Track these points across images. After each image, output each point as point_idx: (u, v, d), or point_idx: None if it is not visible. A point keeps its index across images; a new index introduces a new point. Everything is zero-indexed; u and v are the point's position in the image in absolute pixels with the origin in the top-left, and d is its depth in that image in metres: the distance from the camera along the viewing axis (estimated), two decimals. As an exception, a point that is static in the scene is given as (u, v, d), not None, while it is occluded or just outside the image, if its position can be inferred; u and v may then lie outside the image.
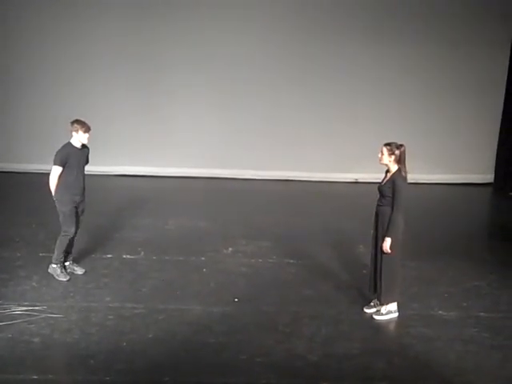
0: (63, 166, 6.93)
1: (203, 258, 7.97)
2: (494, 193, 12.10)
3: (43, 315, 6.24)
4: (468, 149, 12.22)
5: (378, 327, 6.37)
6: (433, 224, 9.12)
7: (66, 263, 7.34)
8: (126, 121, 11.91)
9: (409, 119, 11.72)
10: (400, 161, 6.29)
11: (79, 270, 7.36)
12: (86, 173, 7.20)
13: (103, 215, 9.39)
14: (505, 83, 11.81)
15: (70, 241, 7.15)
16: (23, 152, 11.93)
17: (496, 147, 12.19)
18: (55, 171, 6.96)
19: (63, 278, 7.12)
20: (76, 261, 7.50)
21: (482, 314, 6.69)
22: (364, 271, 7.69)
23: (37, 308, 6.37)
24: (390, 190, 6.26)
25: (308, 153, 12.05)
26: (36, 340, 5.80)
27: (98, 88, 11.84)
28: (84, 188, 7.15)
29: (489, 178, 12.36)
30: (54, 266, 7.17)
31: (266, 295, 6.96)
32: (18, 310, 6.31)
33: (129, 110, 11.89)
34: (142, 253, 8.05)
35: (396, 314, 6.58)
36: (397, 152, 6.26)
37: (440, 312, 6.69)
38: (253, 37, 11.79)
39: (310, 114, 12.01)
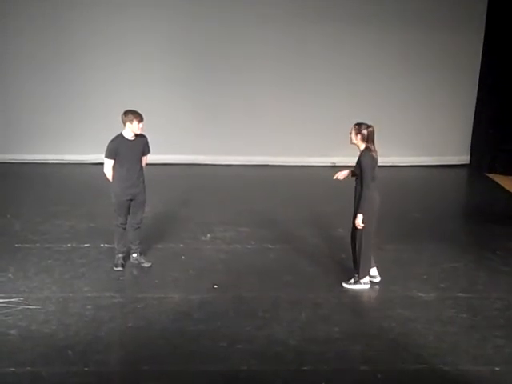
0: (113, 159, 6.81)
1: (182, 245, 7.92)
2: (469, 174, 12.18)
3: (20, 307, 6.16)
4: (443, 130, 12.24)
5: (358, 310, 6.40)
6: (409, 206, 9.16)
7: (134, 255, 7.30)
8: (98, 109, 11.65)
9: (384, 102, 11.70)
10: (368, 140, 6.48)
11: (146, 263, 7.27)
12: None
13: (76, 203, 9.33)
14: (479, 64, 11.85)
15: (123, 231, 7.14)
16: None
17: (471, 128, 12.26)
18: (106, 163, 6.88)
19: (116, 268, 7.11)
20: (46, 250, 7.48)
21: (460, 294, 6.75)
22: (343, 255, 7.71)
23: (13, 300, 6.29)
24: (358, 168, 6.48)
25: (285, 137, 11.97)
26: (13, 332, 5.72)
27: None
28: (140, 178, 6.99)
29: (464, 158, 12.43)
30: (116, 255, 7.20)
31: (245, 281, 6.95)
32: (-6, 302, 6.24)
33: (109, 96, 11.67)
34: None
35: (368, 286, 6.74)
36: (364, 131, 6.46)
37: (418, 294, 6.74)
38: (231, 23, 11.65)
39: (285, 99, 11.93)
